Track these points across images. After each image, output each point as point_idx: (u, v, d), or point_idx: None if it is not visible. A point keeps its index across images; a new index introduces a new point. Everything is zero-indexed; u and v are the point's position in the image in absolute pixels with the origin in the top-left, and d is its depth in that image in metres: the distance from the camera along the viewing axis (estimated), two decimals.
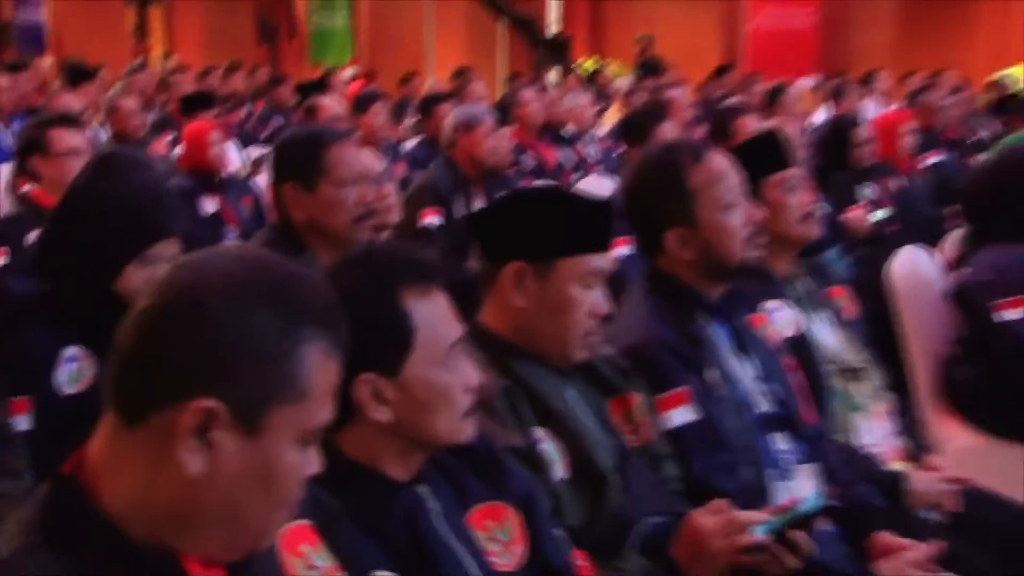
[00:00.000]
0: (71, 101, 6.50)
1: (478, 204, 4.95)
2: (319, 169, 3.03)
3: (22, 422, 2.46)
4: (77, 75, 8.91)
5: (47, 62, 14.22)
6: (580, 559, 1.86)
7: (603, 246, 2.14)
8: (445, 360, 1.68)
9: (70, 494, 1.24)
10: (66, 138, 4.12)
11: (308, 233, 3.07)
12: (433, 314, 1.68)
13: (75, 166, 4.03)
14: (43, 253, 2.76)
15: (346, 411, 1.61)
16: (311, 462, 1.27)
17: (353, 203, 3.04)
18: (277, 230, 3.17)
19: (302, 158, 3.09)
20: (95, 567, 1.19)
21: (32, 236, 3.87)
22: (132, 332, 1.21)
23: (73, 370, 2.58)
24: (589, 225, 2.12)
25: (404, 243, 1.80)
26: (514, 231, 2.12)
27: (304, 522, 1.43)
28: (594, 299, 2.10)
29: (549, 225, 2.10)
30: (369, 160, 3.21)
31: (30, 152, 4.14)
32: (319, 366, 1.23)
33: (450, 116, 5.20)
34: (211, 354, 1.19)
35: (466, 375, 1.71)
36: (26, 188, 5.39)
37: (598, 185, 6.15)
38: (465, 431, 1.72)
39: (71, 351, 2.57)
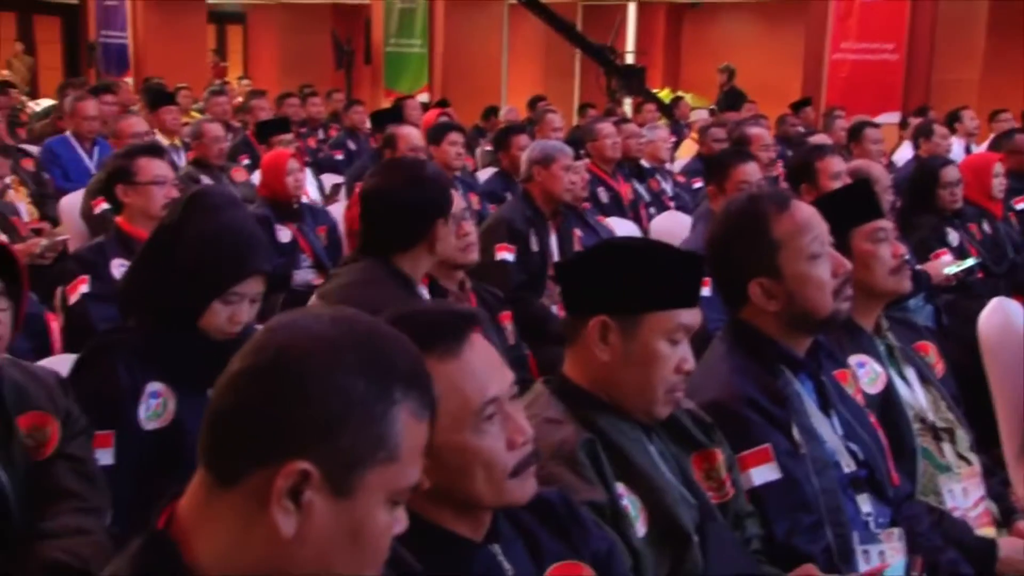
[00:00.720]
0: (137, 124, 6.56)
1: (552, 239, 4.98)
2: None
3: (104, 456, 2.50)
4: (158, 97, 9.05)
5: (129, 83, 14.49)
6: None
7: (692, 301, 2.11)
8: (477, 422, 1.64)
9: (163, 550, 1.26)
10: (152, 167, 4.19)
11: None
12: (458, 377, 1.64)
13: (160, 194, 4.12)
14: (129, 288, 2.81)
15: None
16: (400, 520, 1.29)
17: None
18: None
19: None
20: None
21: (115, 263, 3.95)
22: (228, 393, 1.24)
23: (156, 406, 2.62)
24: (678, 280, 2.10)
25: (435, 304, 1.74)
26: (600, 284, 2.10)
27: None
28: (680, 355, 2.08)
29: (636, 279, 2.07)
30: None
31: (116, 180, 4.22)
32: (409, 427, 1.25)
33: (528, 150, 5.19)
34: (306, 417, 1.21)
35: (509, 430, 1.66)
36: (101, 208, 5.52)
37: (674, 222, 6.14)
38: (518, 491, 1.68)
39: (154, 387, 2.61)
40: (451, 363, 1.63)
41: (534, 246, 4.85)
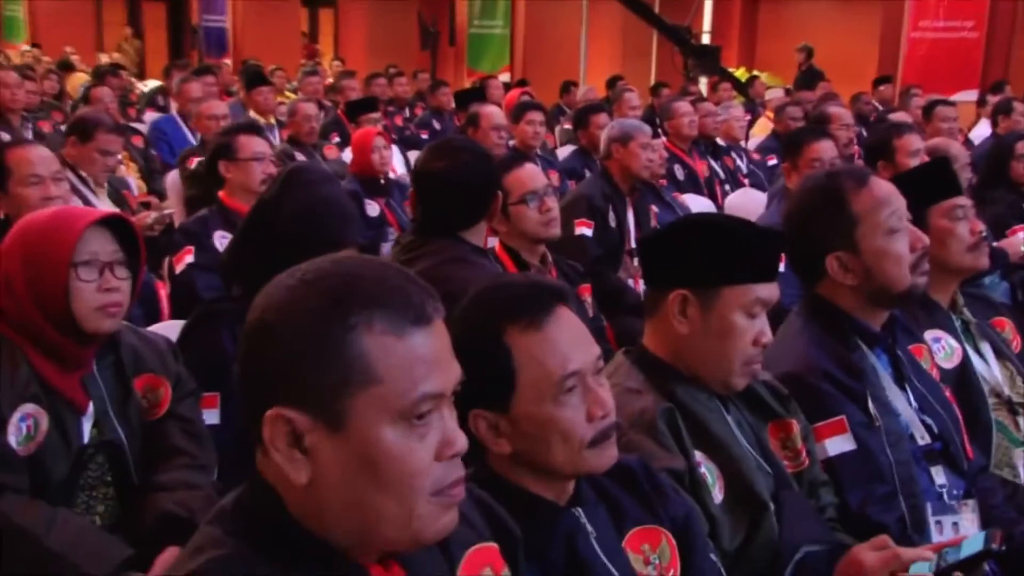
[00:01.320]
0: (216, 107, 6.67)
1: (629, 215, 4.95)
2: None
3: (211, 416, 2.55)
4: (255, 78, 9.14)
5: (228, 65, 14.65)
6: None
7: (769, 276, 2.08)
8: (556, 394, 1.63)
9: (265, 497, 1.26)
10: (251, 144, 4.24)
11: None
12: (540, 349, 1.63)
13: (259, 170, 4.17)
14: (232, 258, 2.85)
15: (477, 442, 1.65)
16: (449, 440, 1.24)
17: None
18: None
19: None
20: (292, 567, 1.22)
21: (217, 235, 4.00)
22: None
23: None
24: (756, 254, 2.08)
25: (522, 277, 1.71)
26: (679, 259, 2.09)
27: (492, 544, 1.42)
28: (758, 328, 2.06)
29: (715, 254, 2.06)
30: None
31: (218, 156, 4.27)
32: (382, 345, 1.19)
33: (607, 128, 5.17)
34: (274, 365, 1.21)
35: (589, 403, 1.65)
36: (195, 163, 5.61)
37: (749, 199, 6.10)
38: (597, 460, 1.66)
39: None
40: (533, 335, 1.63)
41: (612, 222, 4.84)
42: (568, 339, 1.65)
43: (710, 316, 2.06)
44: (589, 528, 1.69)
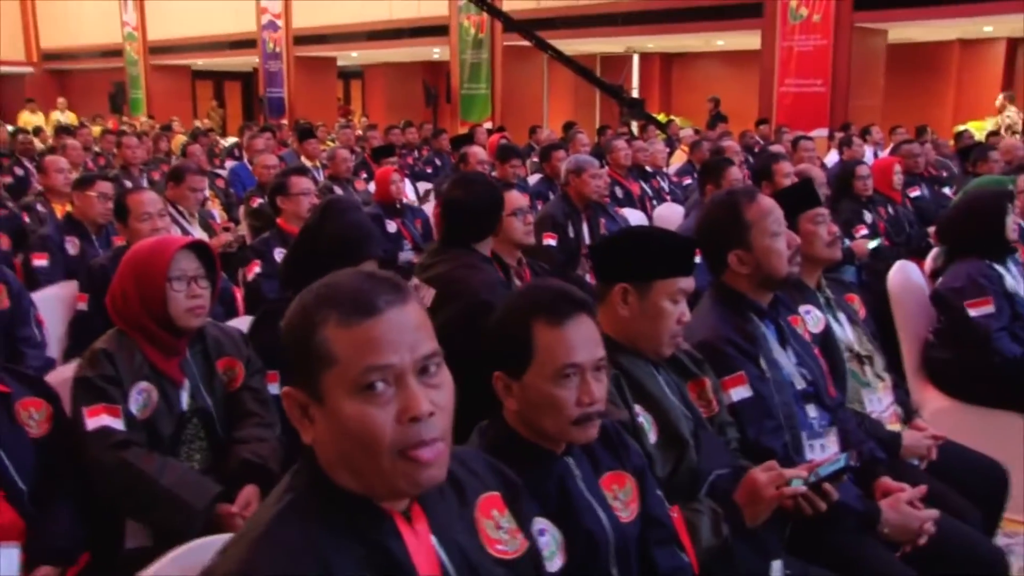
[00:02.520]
0: (267, 159, 6.66)
1: (584, 228, 4.92)
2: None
3: (273, 388, 2.51)
4: (304, 133, 9.09)
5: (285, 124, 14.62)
6: (674, 512, 1.81)
7: (688, 272, 2.07)
8: (557, 377, 1.59)
9: (308, 456, 1.23)
10: (300, 183, 4.21)
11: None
12: (555, 341, 1.59)
13: (306, 202, 4.14)
14: (287, 270, 2.82)
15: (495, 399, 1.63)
16: (391, 405, 1.16)
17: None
18: None
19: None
20: (328, 512, 1.19)
21: (276, 251, 3.98)
22: None
23: None
24: (678, 256, 2.06)
25: (559, 285, 1.66)
26: (622, 260, 2.07)
27: (495, 493, 1.38)
28: (680, 310, 2.04)
29: (649, 256, 2.04)
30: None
31: (276, 193, 4.24)
32: (338, 334, 1.15)
33: (565, 162, 5.13)
34: (283, 358, 1.22)
35: (580, 391, 1.60)
36: (256, 204, 5.58)
37: (671, 211, 6.07)
38: (579, 434, 1.62)
39: None
40: (551, 330, 1.59)
41: (571, 233, 4.80)
42: (578, 339, 1.60)
43: (645, 303, 2.03)
44: (576, 472, 1.66)
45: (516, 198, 3.32)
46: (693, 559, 1.77)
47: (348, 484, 1.19)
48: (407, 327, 1.17)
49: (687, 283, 2.06)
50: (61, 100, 18.00)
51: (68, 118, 16.57)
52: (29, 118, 16.32)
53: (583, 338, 1.61)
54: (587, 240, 4.80)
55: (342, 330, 1.15)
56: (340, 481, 1.19)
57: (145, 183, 7.46)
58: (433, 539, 1.24)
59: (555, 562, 1.54)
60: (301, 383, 1.18)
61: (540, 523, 1.53)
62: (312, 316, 1.17)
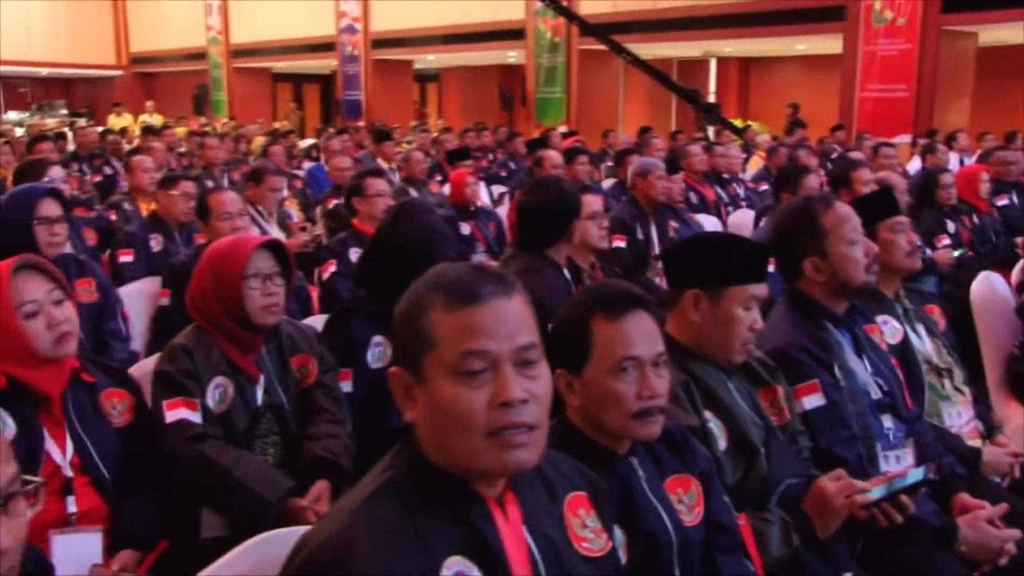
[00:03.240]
0: (342, 162, 6.78)
1: (653, 230, 4.89)
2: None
3: (346, 386, 2.56)
4: (381, 135, 9.21)
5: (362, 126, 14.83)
6: (741, 519, 1.79)
7: (761, 278, 2.05)
8: (616, 370, 1.60)
9: (410, 435, 1.27)
10: (376, 184, 4.27)
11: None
12: (613, 334, 1.60)
13: (381, 203, 4.19)
14: (361, 270, 2.86)
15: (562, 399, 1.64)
16: (502, 389, 1.18)
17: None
18: None
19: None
20: (425, 490, 1.22)
21: (352, 252, 4.03)
22: None
23: (378, 352, 2.66)
24: (751, 263, 2.05)
25: (616, 284, 1.68)
26: (695, 265, 2.06)
27: (582, 492, 1.39)
28: (752, 317, 2.03)
29: (722, 262, 2.02)
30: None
31: (352, 194, 4.31)
32: (441, 319, 1.20)
33: (632, 165, 5.11)
34: (396, 339, 1.28)
35: (640, 384, 1.60)
36: (332, 205, 5.67)
37: (746, 217, 5.99)
38: (641, 430, 1.62)
39: (377, 339, 2.66)
40: (609, 325, 1.61)
41: (640, 235, 4.78)
42: (636, 333, 1.61)
43: (717, 309, 2.02)
44: (641, 473, 1.66)
45: (592, 201, 3.31)
46: (759, 567, 1.75)
47: (444, 464, 1.22)
48: (508, 317, 1.21)
49: (759, 290, 2.04)
50: (149, 103, 18.63)
51: (156, 120, 17.12)
52: (115, 121, 16.90)
53: (641, 332, 1.62)
54: (656, 243, 4.78)
55: (446, 315, 1.20)
56: (437, 461, 1.23)
57: (226, 183, 7.66)
58: (524, 528, 1.26)
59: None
60: (407, 363, 1.23)
61: None
62: (421, 301, 1.22)
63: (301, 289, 4.02)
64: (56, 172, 4.49)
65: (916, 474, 1.91)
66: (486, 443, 1.18)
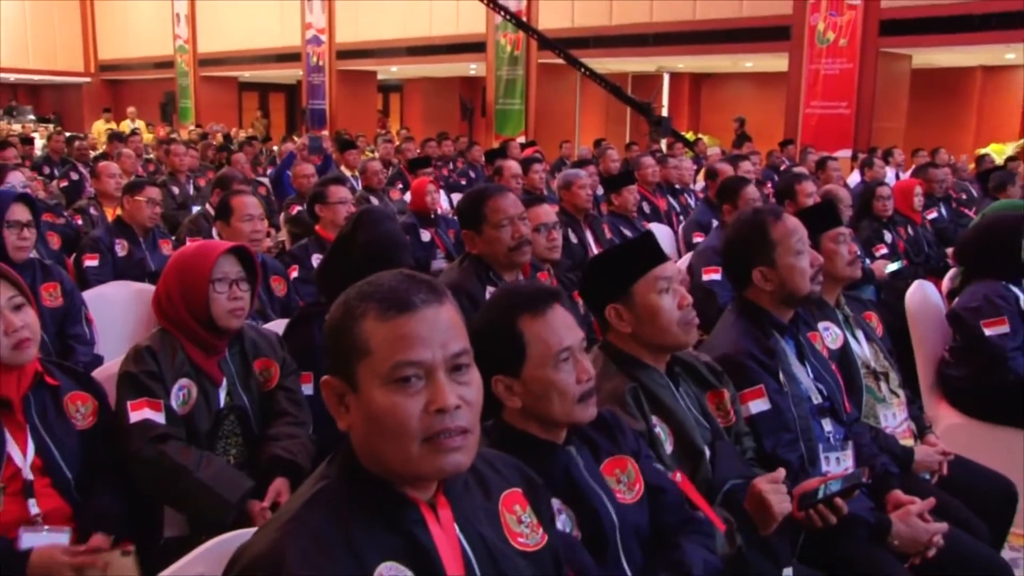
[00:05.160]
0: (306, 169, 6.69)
1: (588, 236, 4.91)
2: (481, 216, 3.00)
3: (307, 389, 2.53)
4: (344, 144, 9.16)
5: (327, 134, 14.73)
6: (676, 476, 1.80)
7: (655, 261, 2.04)
8: (555, 363, 1.61)
9: (344, 444, 1.26)
10: (338, 192, 4.23)
11: (488, 259, 3.03)
12: (543, 331, 1.62)
13: (343, 210, 4.16)
14: (321, 276, 2.83)
15: (496, 400, 1.64)
16: (419, 396, 1.18)
17: (508, 237, 2.98)
18: (472, 258, 3.10)
19: (470, 211, 3.04)
20: (358, 498, 1.21)
21: (314, 258, 4.00)
22: None
23: None
24: (640, 252, 2.05)
25: (530, 283, 1.68)
26: (595, 287, 2.08)
27: (517, 489, 1.39)
28: (676, 297, 2.01)
29: (609, 270, 2.04)
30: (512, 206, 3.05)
31: (315, 201, 4.27)
32: (374, 327, 1.18)
33: (558, 178, 5.12)
34: (325, 349, 1.25)
35: (578, 370, 1.63)
36: (295, 211, 5.60)
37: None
38: (583, 413, 1.64)
39: None
40: (538, 321, 1.62)
41: (574, 239, 4.77)
42: (562, 325, 1.64)
43: (637, 309, 2.01)
44: (579, 460, 1.67)
45: (543, 212, 3.30)
46: (709, 512, 1.77)
47: (377, 471, 1.21)
48: (440, 325, 1.20)
49: (663, 270, 2.03)
50: (131, 109, 18.36)
51: (140, 126, 16.90)
52: (103, 127, 16.55)
53: (565, 323, 1.65)
54: (592, 247, 4.80)
55: (379, 323, 1.18)
56: (370, 468, 1.22)
57: (191, 190, 7.57)
58: (456, 529, 1.26)
59: (574, 534, 1.59)
60: (340, 372, 1.21)
61: (556, 503, 1.56)
62: (353, 309, 1.20)
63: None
64: (15, 178, 4.36)
65: (850, 478, 1.96)
66: (421, 449, 1.17)
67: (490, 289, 2.97)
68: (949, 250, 5.25)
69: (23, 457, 1.99)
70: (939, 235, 5.78)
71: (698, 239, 5.37)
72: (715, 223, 5.60)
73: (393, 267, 1.34)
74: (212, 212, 4.54)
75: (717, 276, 4.12)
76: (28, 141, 11.68)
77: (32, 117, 20.70)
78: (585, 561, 1.54)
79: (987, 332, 3.15)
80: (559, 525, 1.55)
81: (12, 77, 22.42)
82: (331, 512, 1.18)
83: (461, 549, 1.25)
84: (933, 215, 6.21)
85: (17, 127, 17.95)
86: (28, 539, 1.92)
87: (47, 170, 9.43)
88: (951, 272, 4.07)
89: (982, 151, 11.02)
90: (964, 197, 7.65)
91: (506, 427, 1.67)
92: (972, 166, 9.45)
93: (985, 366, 3.17)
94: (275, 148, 12.51)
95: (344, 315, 1.21)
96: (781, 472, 1.86)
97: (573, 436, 1.69)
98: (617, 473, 1.71)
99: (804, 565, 2.01)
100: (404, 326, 1.18)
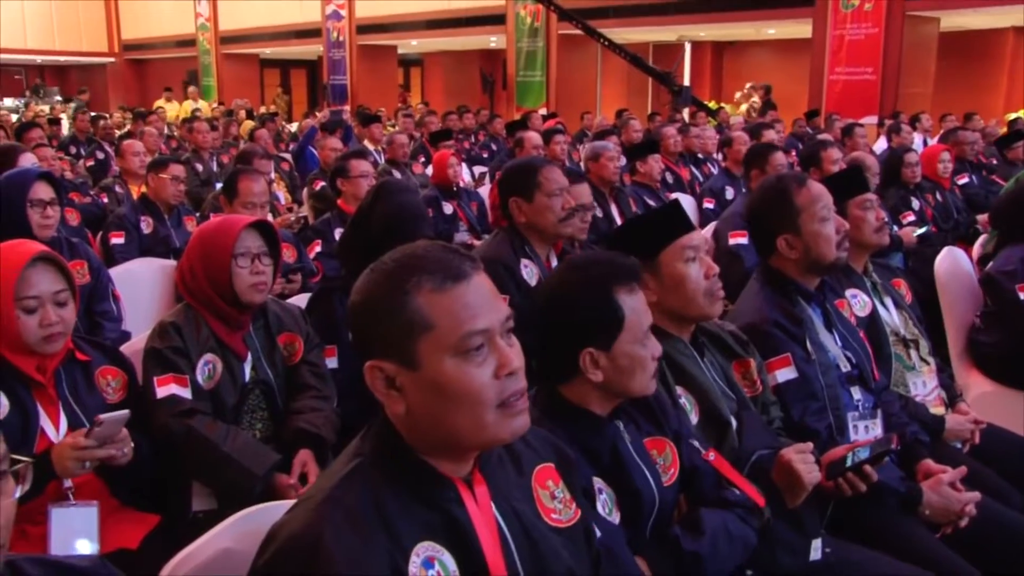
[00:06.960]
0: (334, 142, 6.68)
1: (613, 208, 4.88)
2: (535, 184, 2.96)
3: (331, 362, 2.53)
4: (367, 119, 9.13)
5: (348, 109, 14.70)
6: (711, 454, 1.77)
7: (685, 230, 2.00)
8: (643, 339, 1.61)
9: (385, 428, 1.23)
10: (360, 166, 4.22)
11: (527, 232, 3.02)
12: (638, 305, 1.61)
13: (365, 184, 4.14)
14: (342, 249, 2.82)
15: (571, 371, 1.61)
16: (498, 362, 1.17)
17: (559, 207, 2.96)
18: (507, 230, 3.05)
19: (522, 179, 2.99)
20: (395, 476, 1.19)
21: (337, 232, 3.99)
22: None
23: None
24: (667, 221, 2.01)
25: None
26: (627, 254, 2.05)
27: (549, 463, 1.37)
28: (703, 266, 1.98)
29: (642, 238, 2.00)
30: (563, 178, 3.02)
31: (337, 175, 4.26)
32: (432, 300, 1.14)
33: (584, 150, 5.08)
34: (364, 333, 1.19)
35: (655, 348, 1.63)
36: (319, 186, 5.58)
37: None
38: (652, 386, 1.65)
39: None
40: (633, 296, 1.62)
41: (599, 214, 4.72)
42: (644, 300, 1.65)
43: (662, 279, 1.98)
44: (625, 435, 1.66)
45: (582, 192, 3.22)
46: (750, 490, 1.74)
47: (425, 449, 1.20)
48: (489, 292, 1.19)
49: (690, 239, 2.00)
50: (192, 89, 18.39)
51: (201, 105, 16.97)
52: (165, 105, 16.50)
53: (644, 300, 1.65)
54: (617, 220, 4.76)
55: (437, 295, 1.14)
56: (417, 446, 1.20)
57: (215, 167, 7.58)
58: (492, 507, 1.24)
59: (614, 517, 1.57)
60: (392, 353, 1.16)
61: (597, 483, 1.56)
62: (403, 284, 1.15)
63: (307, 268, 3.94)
64: (28, 160, 4.31)
65: (879, 444, 1.91)
66: (495, 415, 1.16)
67: (525, 262, 2.94)
68: (981, 216, 5.17)
69: (55, 431, 2.00)
70: (969, 201, 5.67)
71: (708, 205, 5.29)
72: (730, 190, 5.55)
73: (412, 238, 1.31)
74: None
75: (744, 240, 4.04)
76: (55, 122, 11.75)
77: (59, 98, 20.85)
78: (626, 559, 1.51)
79: (1023, 296, 3.09)
80: (599, 506, 1.53)
81: (39, 59, 22.59)
82: (367, 490, 1.16)
83: (497, 527, 1.23)
84: (964, 180, 6.09)
85: (45, 108, 18.06)
86: (57, 515, 1.94)
87: (73, 150, 9.49)
88: (982, 238, 4.00)
89: (1013, 115, 10.77)
90: (995, 163, 7.49)
91: (554, 395, 1.64)
92: (1003, 130, 9.24)
93: (1019, 331, 3.11)
94: (291, 128, 12.52)
95: (391, 292, 1.15)
96: (809, 444, 1.83)
97: (620, 411, 1.67)
98: (654, 455, 1.69)
99: (833, 536, 1.97)
100: (464, 296, 1.15)
